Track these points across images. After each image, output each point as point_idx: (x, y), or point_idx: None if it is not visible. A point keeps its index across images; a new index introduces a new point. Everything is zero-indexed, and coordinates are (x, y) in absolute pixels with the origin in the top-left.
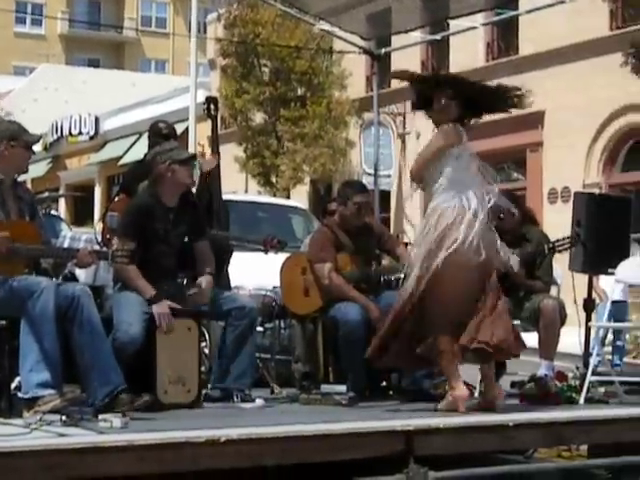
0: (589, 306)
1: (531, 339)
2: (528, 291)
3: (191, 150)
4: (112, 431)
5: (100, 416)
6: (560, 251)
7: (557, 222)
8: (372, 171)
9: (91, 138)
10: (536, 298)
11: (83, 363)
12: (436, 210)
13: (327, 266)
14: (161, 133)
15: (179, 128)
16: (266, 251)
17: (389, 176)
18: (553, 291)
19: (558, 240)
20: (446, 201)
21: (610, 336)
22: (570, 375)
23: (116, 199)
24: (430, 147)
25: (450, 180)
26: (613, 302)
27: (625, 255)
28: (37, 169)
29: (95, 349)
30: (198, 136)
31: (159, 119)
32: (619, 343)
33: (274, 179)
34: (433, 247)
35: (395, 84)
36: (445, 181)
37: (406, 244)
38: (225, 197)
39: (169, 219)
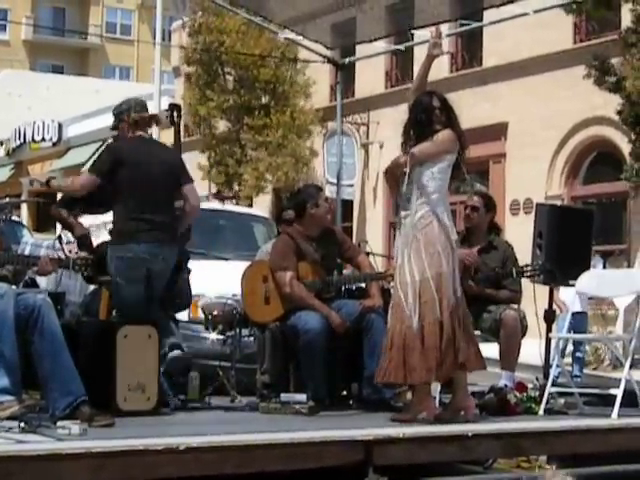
0: (549, 317)
1: (492, 350)
2: (491, 301)
3: None
4: (71, 438)
5: (59, 423)
6: (527, 277)
7: (519, 234)
8: (335, 180)
9: (54, 144)
10: (497, 309)
11: (44, 373)
12: (421, 224)
13: (288, 274)
14: None
15: None
16: (222, 203)
17: (352, 185)
18: None
19: (527, 265)
20: (430, 216)
21: (570, 347)
22: (530, 386)
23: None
24: (432, 147)
25: (435, 189)
26: (573, 314)
27: (586, 267)
28: None
29: (56, 358)
30: None
31: None
32: (579, 354)
33: (237, 187)
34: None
35: (359, 94)
36: (431, 188)
37: (367, 253)
38: None
39: None
